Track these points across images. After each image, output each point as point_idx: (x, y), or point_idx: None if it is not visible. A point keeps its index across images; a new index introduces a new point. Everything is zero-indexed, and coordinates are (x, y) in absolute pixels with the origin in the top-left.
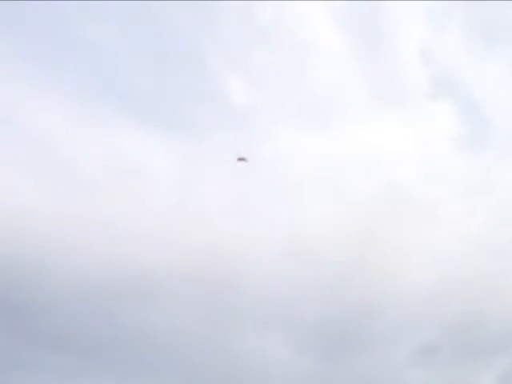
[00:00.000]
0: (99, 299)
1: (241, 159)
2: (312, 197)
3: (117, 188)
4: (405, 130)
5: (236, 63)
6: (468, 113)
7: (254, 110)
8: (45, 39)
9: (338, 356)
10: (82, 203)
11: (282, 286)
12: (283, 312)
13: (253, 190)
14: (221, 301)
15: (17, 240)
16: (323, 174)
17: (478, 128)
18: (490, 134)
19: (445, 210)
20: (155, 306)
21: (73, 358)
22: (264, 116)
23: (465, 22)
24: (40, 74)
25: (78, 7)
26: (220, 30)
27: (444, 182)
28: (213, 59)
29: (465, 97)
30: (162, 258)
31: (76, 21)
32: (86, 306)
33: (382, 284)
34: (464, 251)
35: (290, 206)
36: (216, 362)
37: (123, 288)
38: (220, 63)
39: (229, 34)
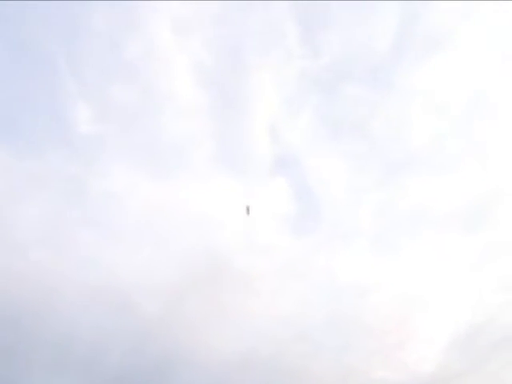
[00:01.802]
0: None
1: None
2: (135, 242)
3: None
4: (239, 199)
5: (90, 90)
6: (302, 196)
7: (97, 141)
8: None
9: None
10: None
11: (86, 330)
12: (81, 357)
13: (76, 222)
14: (14, 339)
15: None
16: (151, 222)
17: (308, 212)
18: (317, 220)
19: (262, 283)
20: None
21: None
22: (105, 150)
23: (315, 113)
24: None
25: None
26: (81, 52)
27: (266, 257)
28: (67, 80)
29: (302, 181)
30: None
31: None
32: None
33: (187, 344)
34: (273, 328)
35: (111, 246)
36: None
37: None
38: (73, 86)
39: (90, 58)
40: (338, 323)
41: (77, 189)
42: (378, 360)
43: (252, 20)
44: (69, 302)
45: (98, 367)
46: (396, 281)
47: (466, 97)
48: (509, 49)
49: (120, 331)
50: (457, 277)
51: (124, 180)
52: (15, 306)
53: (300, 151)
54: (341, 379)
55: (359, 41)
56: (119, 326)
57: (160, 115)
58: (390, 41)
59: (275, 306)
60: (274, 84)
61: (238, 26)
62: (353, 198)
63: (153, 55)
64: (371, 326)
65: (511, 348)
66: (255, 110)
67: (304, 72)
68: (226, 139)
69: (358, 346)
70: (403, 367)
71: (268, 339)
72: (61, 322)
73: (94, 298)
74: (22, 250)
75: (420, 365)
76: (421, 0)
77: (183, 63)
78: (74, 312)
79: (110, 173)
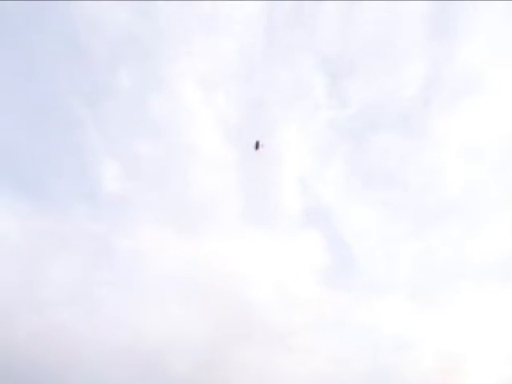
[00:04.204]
0: None
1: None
2: (163, 301)
3: None
4: (270, 253)
5: (116, 147)
6: (335, 248)
7: (123, 199)
8: None
9: None
10: None
11: None
12: None
13: (102, 281)
14: None
15: None
16: (180, 280)
17: (342, 264)
18: (352, 272)
19: (295, 339)
20: None
21: None
22: (132, 207)
23: (345, 163)
24: None
25: None
26: (107, 109)
27: (300, 312)
28: (93, 136)
29: (334, 232)
30: None
31: None
32: None
33: None
34: None
35: (138, 306)
36: None
37: None
38: (100, 143)
39: (115, 118)
40: (377, 380)
41: (102, 248)
42: None
43: (276, 73)
44: (95, 364)
45: None
46: (436, 335)
47: (500, 142)
48: None
49: None
50: (499, 331)
51: (151, 238)
52: (38, 369)
53: (331, 202)
54: None
55: (387, 88)
56: None
57: (186, 171)
58: (417, 87)
59: (309, 362)
60: (301, 136)
61: (261, 80)
62: (388, 248)
63: (178, 111)
64: (412, 382)
65: None
66: (283, 163)
67: (332, 122)
68: (254, 193)
69: None
70: None
71: None
72: None
73: (121, 360)
74: (46, 311)
75: None
76: (448, 45)
77: (209, 119)
78: (101, 375)
79: (137, 231)
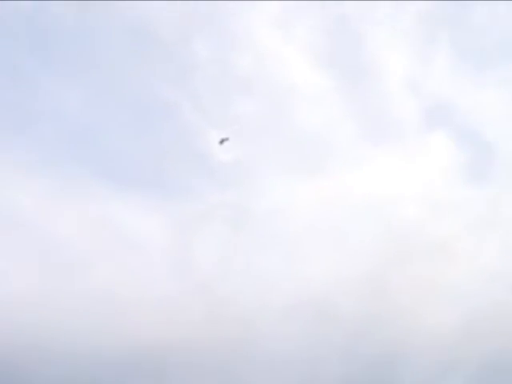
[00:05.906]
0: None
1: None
2: (314, 248)
3: (109, 261)
4: (402, 166)
5: (217, 117)
6: (466, 142)
7: (241, 163)
8: (19, 110)
9: None
10: (74, 282)
11: (294, 347)
12: (297, 374)
13: (251, 248)
14: (232, 371)
15: (13, 330)
16: (323, 223)
17: (479, 156)
18: (492, 162)
19: (455, 244)
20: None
21: None
22: (252, 169)
23: (451, 48)
24: (14, 148)
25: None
26: (196, 83)
27: (450, 216)
28: (192, 115)
29: (461, 125)
30: (164, 334)
31: (47, 91)
32: None
33: (403, 333)
34: (481, 286)
35: (291, 261)
36: None
37: (126, 368)
38: (200, 119)
39: (206, 87)
40: None
41: (241, 216)
42: None
43: None
44: (266, 327)
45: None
46: None
47: None
48: None
49: (327, 336)
50: None
51: (281, 191)
52: (221, 349)
53: (447, 96)
54: None
55: None
56: (324, 337)
57: (292, 116)
58: None
59: (477, 264)
60: (393, 36)
61: None
62: None
63: (264, 60)
64: None
65: None
66: (385, 71)
67: (423, 11)
68: (364, 114)
69: None
70: None
71: (482, 299)
72: (268, 349)
73: (293, 315)
74: (211, 290)
75: None
76: None
77: (295, 55)
78: (275, 335)
79: (265, 188)
